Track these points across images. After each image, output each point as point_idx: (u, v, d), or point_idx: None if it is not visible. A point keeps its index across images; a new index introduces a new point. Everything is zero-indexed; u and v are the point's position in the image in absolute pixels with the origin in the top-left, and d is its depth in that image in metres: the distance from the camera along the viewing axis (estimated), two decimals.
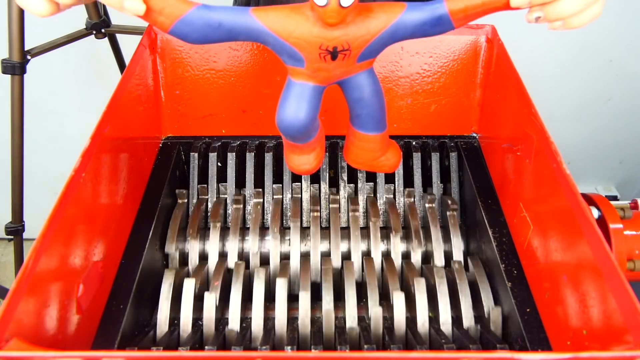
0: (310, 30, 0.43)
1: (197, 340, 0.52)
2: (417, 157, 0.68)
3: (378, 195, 0.67)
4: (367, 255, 0.62)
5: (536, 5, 0.42)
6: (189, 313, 0.52)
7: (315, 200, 0.66)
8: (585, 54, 1.32)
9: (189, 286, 0.53)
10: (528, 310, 0.49)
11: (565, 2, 0.41)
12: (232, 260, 0.61)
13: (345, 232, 0.64)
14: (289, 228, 0.63)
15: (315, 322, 0.55)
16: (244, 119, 0.69)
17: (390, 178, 0.68)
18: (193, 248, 0.61)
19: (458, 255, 0.60)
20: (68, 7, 0.43)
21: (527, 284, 0.51)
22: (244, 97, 0.68)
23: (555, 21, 0.43)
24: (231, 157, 0.67)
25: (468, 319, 0.52)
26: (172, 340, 0.52)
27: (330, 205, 0.65)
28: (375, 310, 0.53)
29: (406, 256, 0.63)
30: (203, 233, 0.63)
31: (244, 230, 0.64)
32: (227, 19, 0.44)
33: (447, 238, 0.62)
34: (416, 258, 0.61)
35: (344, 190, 0.67)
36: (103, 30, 1.01)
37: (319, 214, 0.65)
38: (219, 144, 0.68)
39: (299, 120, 0.47)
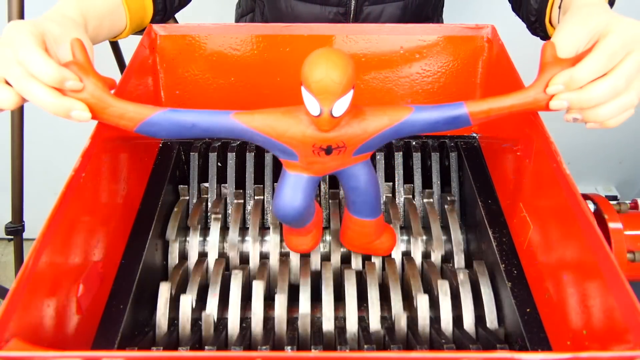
0: (303, 132, 0.43)
1: (197, 340, 0.52)
2: (417, 157, 0.68)
3: None
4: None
5: (575, 109, 0.44)
6: (189, 313, 0.52)
7: (314, 199, 0.66)
8: None
9: (187, 295, 0.53)
10: (528, 310, 0.49)
11: (603, 108, 0.43)
12: (231, 260, 0.61)
13: None
14: None
15: (315, 322, 0.55)
16: None
17: (390, 178, 0.68)
18: (193, 247, 0.61)
19: (458, 252, 0.60)
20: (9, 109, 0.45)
21: (527, 284, 0.51)
22: (244, 97, 0.68)
23: (592, 122, 0.44)
24: (231, 157, 0.67)
25: (468, 319, 0.52)
26: (172, 340, 0.52)
27: (331, 205, 0.65)
28: (375, 311, 0.53)
29: (407, 255, 0.62)
30: (203, 233, 0.63)
31: (244, 231, 0.64)
32: (202, 121, 0.44)
33: (448, 237, 0.62)
34: (417, 257, 0.61)
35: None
36: None
37: None
38: (219, 144, 0.68)
39: (295, 209, 0.48)
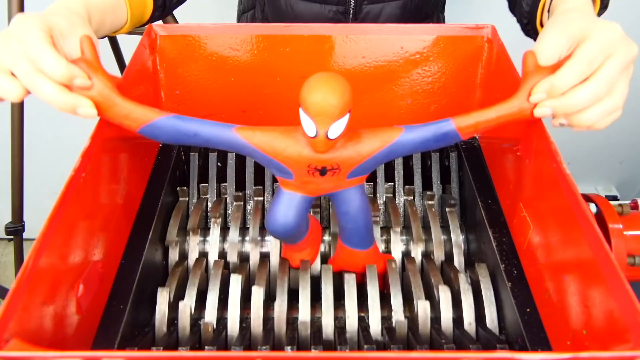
0: (300, 152, 0.44)
1: (197, 340, 0.52)
2: (417, 157, 0.67)
3: (378, 195, 0.67)
4: None
5: (560, 115, 0.44)
6: (189, 313, 0.52)
7: (316, 199, 0.66)
8: None
9: (192, 286, 0.53)
10: (528, 310, 0.49)
11: (587, 112, 0.43)
12: (231, 260, 0.60)
13: None
14: None
15: (315, 322, 0.55)
16: (244, 119, 0.69)
17: (390, 178, 0.68)
18: (193, 247, 0.61)
19: (458, 253, 0.60)
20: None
21: (527, 284, 0.51)
22: (244, 97, 0.68)
23: (579, 126, 0.45)
24: (231, 157, 0.67)
25: (468, 319, 0.52)
26: (172, 340, 0.52)
27: (331, 205, 0.65)
28: (375, 311, 0.53)
29: (406, 255, 0.62)
30: (203, 232, 0.63)
31: (244, 230, 0.64)
32: (205, 131, 0.45)
33: (447, 237, 0.62)
34: (416, 257, 0.61)
35: None
36: None
37: (319, 213, 0.65)
38: None
39: (285, 226, 0.49)
